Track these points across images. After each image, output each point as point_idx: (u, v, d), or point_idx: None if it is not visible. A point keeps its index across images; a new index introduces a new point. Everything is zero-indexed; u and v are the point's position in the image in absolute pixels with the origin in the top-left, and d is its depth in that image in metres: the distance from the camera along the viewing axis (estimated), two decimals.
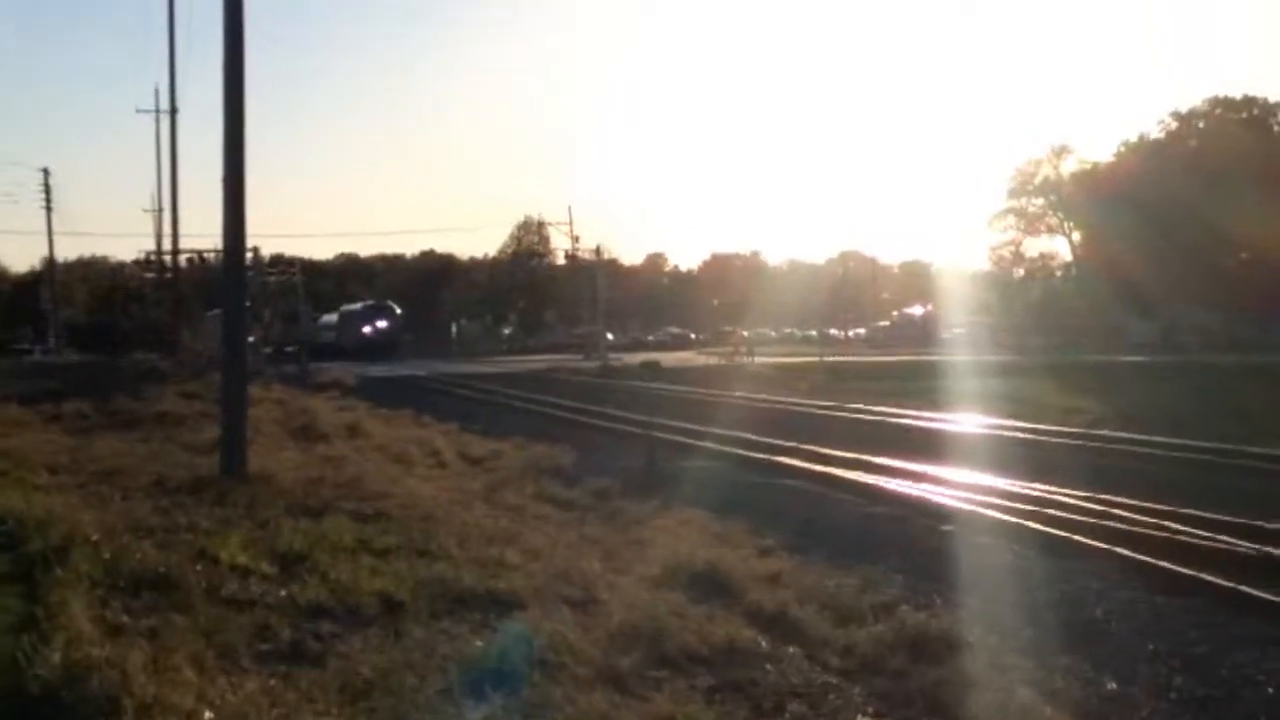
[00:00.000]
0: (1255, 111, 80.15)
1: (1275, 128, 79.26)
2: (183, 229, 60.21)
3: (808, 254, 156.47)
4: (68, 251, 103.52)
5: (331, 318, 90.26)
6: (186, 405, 24.13)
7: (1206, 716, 6.35)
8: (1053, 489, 12.78)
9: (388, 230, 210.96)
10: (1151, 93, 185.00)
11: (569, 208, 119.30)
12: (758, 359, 53.41)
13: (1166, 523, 10.79)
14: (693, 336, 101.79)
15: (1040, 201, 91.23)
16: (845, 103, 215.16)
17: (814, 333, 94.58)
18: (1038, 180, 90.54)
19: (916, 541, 10.94)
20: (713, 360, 55.55)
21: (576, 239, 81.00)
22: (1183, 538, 10.17)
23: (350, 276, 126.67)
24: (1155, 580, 8.93)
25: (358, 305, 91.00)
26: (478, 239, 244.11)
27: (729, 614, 7.53)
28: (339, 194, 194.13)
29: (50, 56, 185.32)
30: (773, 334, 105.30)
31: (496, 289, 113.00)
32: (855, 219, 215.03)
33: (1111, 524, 10.80)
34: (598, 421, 23.80)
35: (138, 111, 55.71)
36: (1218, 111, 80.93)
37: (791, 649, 6.96)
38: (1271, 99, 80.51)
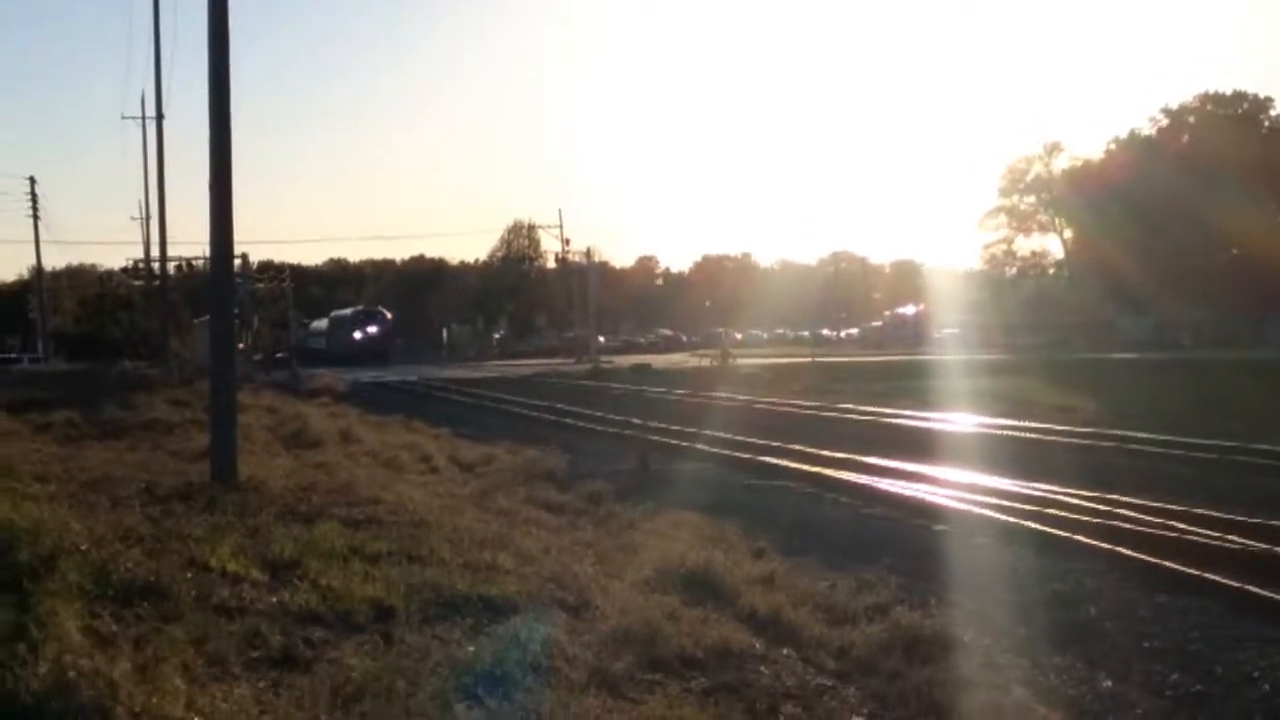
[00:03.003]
0: (1245, 107, 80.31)
1: (1266, 123, 79.42)
2: (171, 236, 60.31)
3: (799, 255, 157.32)
4: (55, 260, 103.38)
5: (322, 324, 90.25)
6: (176, 413, 23.97)
7: (1201, 713, 6.32)
8: (1046, 487, 12.77)
9: (377, 235, 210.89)
10: (1142, 89, 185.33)
11: (559, 211, 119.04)
12: (746, 360, 53.48)
13: (1165, 520, 10.77)
14: (684, 339, 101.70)
15: (1031, 199, 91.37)
16: (835, 103, 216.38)
17: (806, 333, 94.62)
18: (1029, 178, 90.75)
19: (911, 542, 10.92)
20: (704, 362, 55.57)
21: (567, 242, 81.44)
22: (1184, 536, 10.14)
23: (340, 282, 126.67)
24: (1151, 579, 8.91)
25: (348, 311, 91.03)
26: (468, 243, 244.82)
27: (723, 616, 7.50)
28: (328, 199, 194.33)
29: (34, 64, 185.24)
30: (764, 335, 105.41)
31: (487, 293, 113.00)
32: (846, 219, 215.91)
33: (1108, 522, 10.77)
34: (590, 425, 23.78)
35: (123, 118, 55.69)
36: (1208, 107, 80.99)
37: (786, 651, 6.93)
38: (1262, 95, 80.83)
